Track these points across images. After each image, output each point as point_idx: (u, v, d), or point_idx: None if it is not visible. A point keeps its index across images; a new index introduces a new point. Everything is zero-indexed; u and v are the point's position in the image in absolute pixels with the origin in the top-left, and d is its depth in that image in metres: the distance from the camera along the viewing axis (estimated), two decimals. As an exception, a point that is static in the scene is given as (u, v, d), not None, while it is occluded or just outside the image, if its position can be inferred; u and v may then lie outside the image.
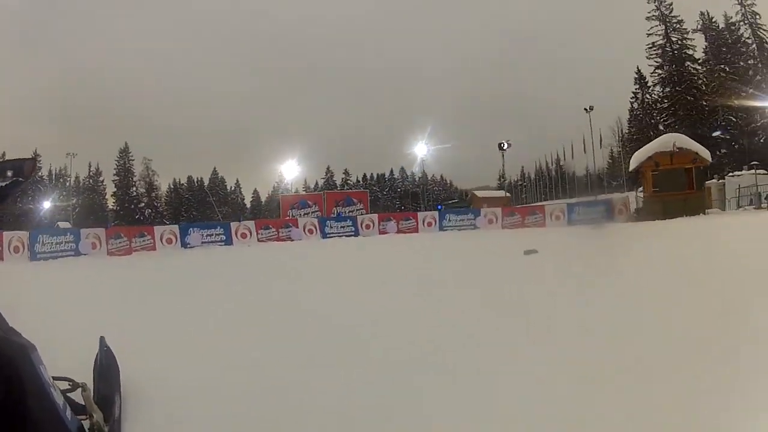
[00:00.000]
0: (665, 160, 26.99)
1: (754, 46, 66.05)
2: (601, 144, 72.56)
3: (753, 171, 31.31)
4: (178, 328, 6.08)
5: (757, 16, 65.79)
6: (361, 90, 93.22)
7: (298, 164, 48.54)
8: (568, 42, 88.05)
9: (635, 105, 74.36)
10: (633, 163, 28.56)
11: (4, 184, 2.42)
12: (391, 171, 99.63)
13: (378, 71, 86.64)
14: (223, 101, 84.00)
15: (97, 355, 4.06)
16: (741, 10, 66.26)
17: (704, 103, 65.80)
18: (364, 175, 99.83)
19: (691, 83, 67.20)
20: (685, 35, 68.71)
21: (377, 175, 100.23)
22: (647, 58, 70.11)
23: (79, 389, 3.18)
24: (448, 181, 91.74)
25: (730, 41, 66.43)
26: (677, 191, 26.46)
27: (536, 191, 77.90)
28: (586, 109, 52.09)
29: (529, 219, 30.03)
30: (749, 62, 66.21)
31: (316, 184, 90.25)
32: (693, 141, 28.91)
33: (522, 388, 3.61)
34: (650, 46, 69.91)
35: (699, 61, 68.47)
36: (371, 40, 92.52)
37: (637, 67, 73.14)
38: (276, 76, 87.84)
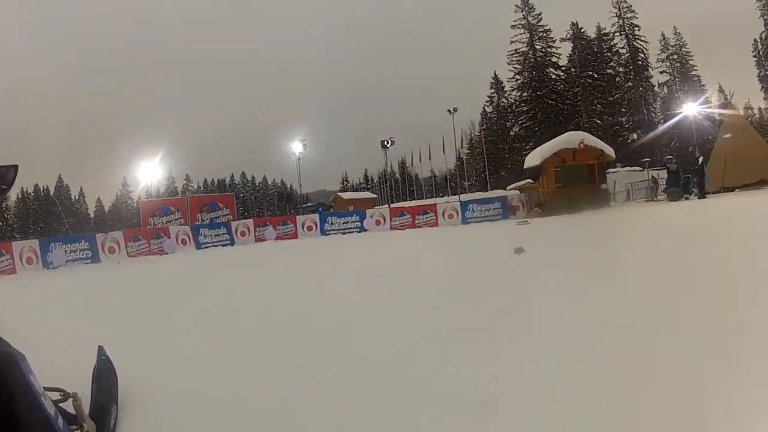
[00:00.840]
0: (569, 156, 27.03)
1: (627, 54, 70.29)
2: (445, 148, 72.77)
3: (637, 168, 32.05)
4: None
5: (636, 28, 70.30)
6: (226, 90, 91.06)
7: (157, 166, 42.07)
8: (433, 45, 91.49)
9: (489, 108, 78.11)
10: (535, 160, 28.15)
11: None
12: (264, 177, 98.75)
13: (244, 72, 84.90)
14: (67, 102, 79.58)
15: (95, 365, 4.06)
16: (619, 21, 70.83)
17: (564, 107, 68.87)
18: (231, 177, 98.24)
19: (553, 88, 69.99)
20: (551, 43, 71.71)
21: (247, 177, 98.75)
22: (508, 63, 72.83)
23: (71, 399, 3.10)
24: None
25: (596, 50, 70.15)
26: (580, 186, 26.54)
27: (381, 193, 77.99)
28: (449, 111, 51.81)
29: (420, 218, 28.48)
30: (618, 69, 70.45)
31: (174, 187, 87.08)
32: (597, 139, 29.32)
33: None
34: (512, 52, 72.57)
35: (562, 68, 71.74)
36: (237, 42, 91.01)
37: (495, 72, 76.57)
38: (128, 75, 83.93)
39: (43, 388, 2.13)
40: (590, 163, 27.41)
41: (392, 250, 16.57)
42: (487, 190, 59.85)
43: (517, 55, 72.21)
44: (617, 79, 69.78)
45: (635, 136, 65.64)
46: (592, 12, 70.69)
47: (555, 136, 59.38)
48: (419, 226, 27.94)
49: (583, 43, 70.55)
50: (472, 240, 16.68)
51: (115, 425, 3.56)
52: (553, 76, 71.63)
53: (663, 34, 69.54)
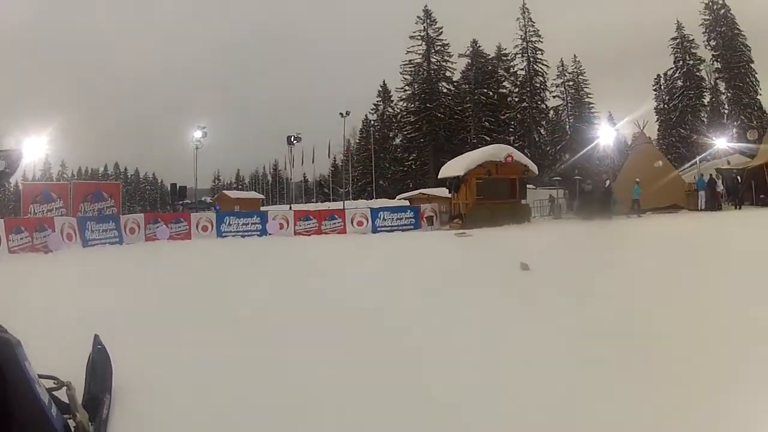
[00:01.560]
0: (493, 169, 26.41)
1: (526, 76, 71.49)
2: (331, 152, 74.72)
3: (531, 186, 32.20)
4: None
5: (539, 52, 71.87)
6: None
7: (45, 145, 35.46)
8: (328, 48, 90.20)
9: (374, 116, 77.40)
10: (457, 170, 27.16)
11: None
12: (137, 170, 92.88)
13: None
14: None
15: (90, 354, 4.14)
16: (522, 44, 72.03)
17: (452, 122, 69.67)
18: (105, 167, 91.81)
19: (443, 102, 70.42)
20: (448, 58, 72.08)
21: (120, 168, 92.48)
22: (400, 73, 72.55)
23: (64, 388, 3.15)
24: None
25: (491, 68, 71.20)
26: (502, 200, 26.35)
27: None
28: (341, 114, 50.66)
29: (327, 224, 26.26)
30: (513, 90, 72.02)
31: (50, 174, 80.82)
32: (522, 155, 28.96)
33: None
34: (406, 63, 72.28)
35: (455, 83, 72.23)
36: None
37: (383, 81, 76.53)
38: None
39: (38, 375, 2.29)
40: (512, 177, 27.00)
41: (323, 264, 14.34)
42: (370, 198, 59.65)
43: (411, 65, 72.13)
44: (509, 99, 71.39)
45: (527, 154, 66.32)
46: (499, 32, 72.41)
47: (440, 150, 59.54)
48: (326, 233, 25.74)
49: (482, 60, 71.58)
50: (413, 254, 15.46)
51: (107, 415, 3.59)
52: (445, 90, 72.15)
53: (562, 61, 72.29)
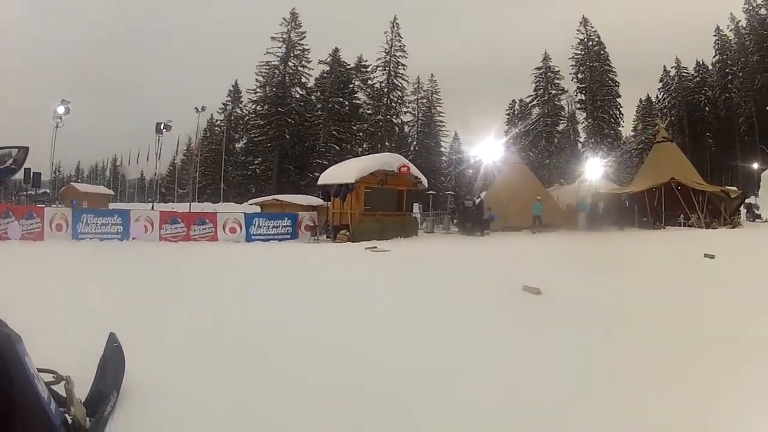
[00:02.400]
0: (385, 178, 25.12)
1: (385, 89, 73.09)
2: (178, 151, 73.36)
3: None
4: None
5: (402, 67, 73.83)
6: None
7: None
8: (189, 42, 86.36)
9: (221, 116, 76.33)
10: (344, 176, 24.87)
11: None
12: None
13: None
14: None
15: (103, 351, 4.28)
16: (386, 57, 73.53)
17: (302, 129, 69.47)
18: None
19: (293, 108, 69.67)
20: (306, 63, 71.97)
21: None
22: (255, 74, 71.22)
23: (63, 382, 3.16)
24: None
25: (346, 78, 71.82)
26: (390, 212, 25.48)
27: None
28: (197, 109, 48.07)
29: (197, 229, 22.89)
30: (368, 102, 73.27)
31: None
32: (414, 166, 27.72)
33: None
34: (263, 63, 71.01)
35: (309, 89, 72.14)
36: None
37: (236, 81, 75.30)
38: None
39: (37, 369, 2.33)
40: (401, 189, 26.14)
41: (228, 290, 10.35)
42: (216, 201, 57.28)
43: (267, 67, 70.64)
44: (361, 110, 72.27)
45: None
46: (365, 43, 73.76)
47: (286, 155, 58.40)
48: (195, 239, 22.37)
49: (341, 69, 71.65)
50: (348, 279, 12.14)
51: (110, 412, 3.62)
52: (298, 96, 71.31)
53: (418, 78, 74.37)
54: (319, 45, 71.44)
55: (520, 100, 78.77)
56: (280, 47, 71.03)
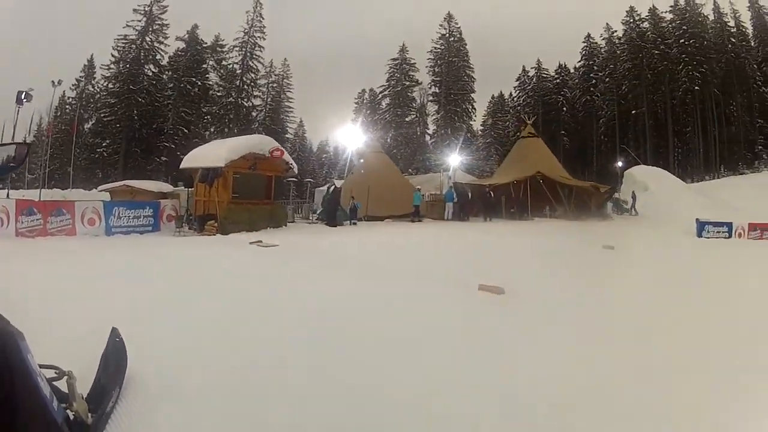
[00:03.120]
0: (254, 163, 22.54)
1: (239, 71, 71.92)
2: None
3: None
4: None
5: (260, 48, 73.38)
6: None
7: None
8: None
9: (73, 93, 69.36)
10: (212, 159, 21.66)
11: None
12: None
13: None
14: None
15: (105, 346, 4.31)
16: (244, 37, 72.48)
17: (151, 109, 66.06)
18: None
19: (145, 86, 66.11)
20: (163, 39, 68.37)
21: None
22: (112, 48, 66.60)
23: (65, 378, 3.21)
24: None
25: (200, 58, 69.80)
26: (258, 200, 23.13)
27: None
28: (53, 82, 43.78)
29: (54, 221, 18.06)
30: (220, 84, 71.51)
31: None
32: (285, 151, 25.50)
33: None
34: (121, 37, 66.37)
35: (163, 67, 68.62)
36: None
37: (91, 55, 68.98)
38: None
39: (39, 366, 2.30)
40: (270, 175, 23.83)
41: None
42: (65, 188, 51.21)
43: (125, 41, 65.99)
44: (210, 92, 69.89)
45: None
46: (229, 22, 71.14)
47: (134, 138, 55.01)
48: (52, 233, 17.73)
49: (197, 48, 68.65)
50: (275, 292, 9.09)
51: (112, 408, 3.67)
52: (150, 74, 67.29)
53: (271, 62, 72.81)
54: (182, 20, 68.12)
55: (371, 90, 79.32)
56: (140, 21, 66.93)
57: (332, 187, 27.63)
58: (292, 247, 15.92)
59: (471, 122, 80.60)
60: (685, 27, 72.63)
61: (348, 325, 6.79)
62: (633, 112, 73.34)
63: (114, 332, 4.49)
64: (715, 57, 70.73)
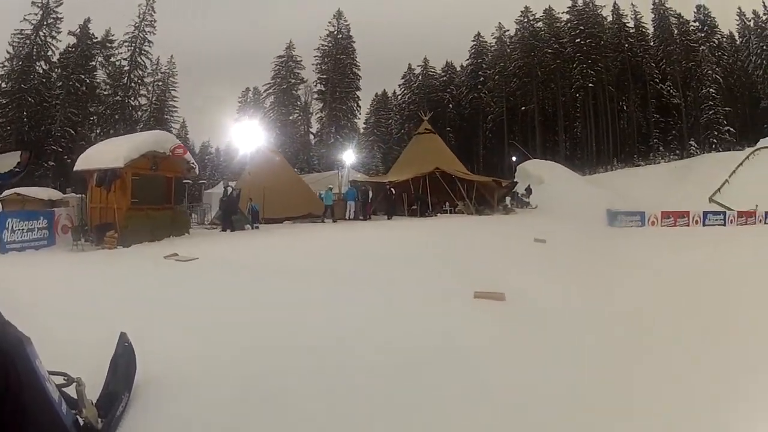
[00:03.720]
0: (155, 163, 20.27)
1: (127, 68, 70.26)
2: None
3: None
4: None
5: (149, 44, 71.62)
6: None
7: None
8: None
9: None
10: (109, 159, 18.88)
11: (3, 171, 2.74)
12: None
13: None
14: None
15: (114, 351, 4.41)
16: (135, 32, 70.47)
17: (40, 109, 63.19)
18: None
19: (35, 85, 63.54)
20: (56, 33, 65.47)
21: None
22: (9, 43, 63.24)
23: (74, 384, 3.27)
24: None
25: (88, 54, 66.90)
26: (158, 205, 20.81)
27: None
28: None
29: None
30: (108, 81, 69.28)
31: None
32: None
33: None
34: (17, 32, 63.43)
35: (53, 64, 65.71)
36: None
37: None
38: None
39: (48, 372, 2.37)
40: (170, 176, 21.61)
41: None
42: None
43: (21, 36, 62.90)
44: (98, 91, 67.63)
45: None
46: (121, 14, 68.47)
47: (23, 141, 52.85)
48: None
49: (88, 43, 66.11)
50: None
51: (122, 413, 3.81)
52: (41, 72, 64.39)
53: (158, 59, 71.72)
54: (76, 13, 65.38)
55: (254, 88, 78.88)
56: (37, 14, 63.78)
57: (231, 190, 25.93)
58: (216, 260, 13.68)
59: (356, 120, 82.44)
60: (582, 27, 76.74)
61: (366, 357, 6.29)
62: (522, 108, 77.16)
63: (122, 337, 4.57)
64: (611, 55, 75.12)
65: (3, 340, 2.11)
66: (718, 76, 71.39)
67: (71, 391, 3.21)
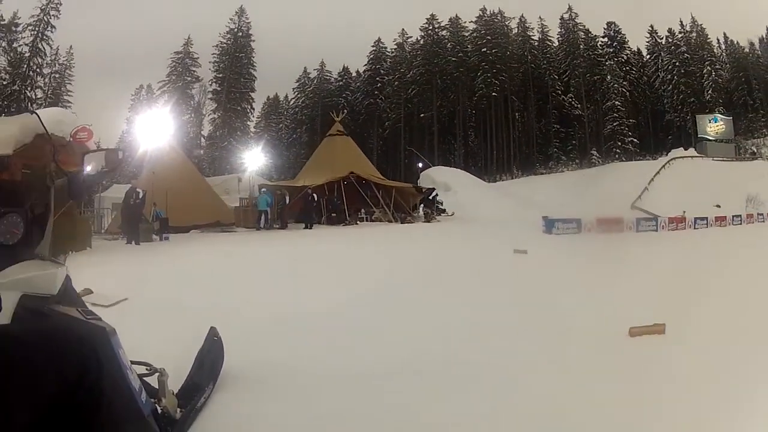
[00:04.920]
0: (52, 152, 16.03)
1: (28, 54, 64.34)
2: None
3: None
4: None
5: (51, 28, 65.03)
6: None
7: None
8: None
9: None
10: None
11: (95, 172, 2.86)
12: None
13: None
14: None
15: (203, 344, 4.60)
16: (40, 15, 64.45)
17: None
18: None
19: None
20: None
21: None
22: None
23: (157, 374, 3.42)
24: None
25: None
26: (56, 210, 16.75)
27: None
28: None
29: None
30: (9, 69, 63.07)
31: None
32: None
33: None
34: None
35: None
36: None
37: None
38: None
39: (131, 362, 2.48)
40: (70, 169, 18.15)
41: None
42: None
43: None
44: None
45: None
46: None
47: None
48: None
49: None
50: None
51: (204, 404, 3.87)
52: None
53: (57, 49, 66.56)
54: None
55: (148, 86, 75.55)
56: None
57: (136, 194, 21.53)
58: (153, 303, 8.48)
59: (249, 123, 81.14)
60: (489, 37, 78.05)
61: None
62: (421, 115, 78.06)
63: (212, 331, 4.70)
64: (516, 66, 76.44)
65: (86, 329, 2.16)
66: (624, 90, 74.90)
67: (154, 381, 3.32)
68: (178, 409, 3.41)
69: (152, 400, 2.91)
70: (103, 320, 2.34)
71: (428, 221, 33.22)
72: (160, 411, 3.10)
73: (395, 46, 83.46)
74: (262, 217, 27.92)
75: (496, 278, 11.86)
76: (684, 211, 35.97)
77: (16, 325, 2.13)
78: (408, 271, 12.48)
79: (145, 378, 3.07)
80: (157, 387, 3.32)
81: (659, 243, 25.11)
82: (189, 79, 74.91)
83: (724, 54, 78.77)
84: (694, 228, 34.45)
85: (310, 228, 27.69)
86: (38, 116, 2.89)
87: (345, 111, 57.77)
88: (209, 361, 4.33)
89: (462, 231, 26.67)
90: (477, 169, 71.60)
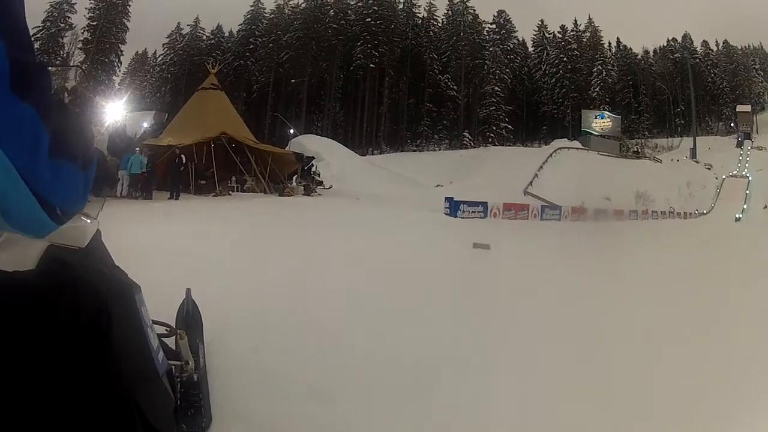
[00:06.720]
0: None
1: None
2: None
3: None
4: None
5: None
6: None
7: None
8: None
9: None
10: None
11: (137, 136, 2.74)
12: None
13: None
14: None
15: (182, 306, 4.41)
16: None
17: None
18: None
19: None
20: None
21: None
22: None
23: (175, 336, 3.41)
24: None
25: None
26: None
27: None
28: None
29: None
30: None
31: None
32: None
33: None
34: None
35: None
36: None
37: None
38: None
39: (152, 321, 2.30)
40: None
41: None
42: None
43: None
44: None
45: None
46: None
47: None
48: None
49: None
50: None
51: (204, 362, 3.82)
52: None
53: None
54: None
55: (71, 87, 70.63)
56: None
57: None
58: None
59: (114, 77, 77.24)
60: (375, 8, 76.54)
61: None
62: (292, 80, 76.24)
63: (188, 293, 4.46)
64: (397, 41, 75.63)
65: (111, 282, 1.92)
66: (506, 77, 75.98)
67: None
68: (194, 374, 3.36)
69: (171, 361, 2.67)
70: (128, 276, 2.03)
71: (308, 194, 30.39)
72: (183, 371, 3.13)
73: (274, 8, 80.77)
74: (123, 183, 21.90)
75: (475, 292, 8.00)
76: (583, 202, 36.68)
77: (40, 271, 1.70)
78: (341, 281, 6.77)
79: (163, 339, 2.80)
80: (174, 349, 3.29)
81: (570, 233, 23.74)
82: (62, 25, 69.52)
83: (613, 57, 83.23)
84: (595, 221, 34.60)
85: (177, 198, 22.61)
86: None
87: (220, 63, 52.10)
88: (194, 323, 4.21)
89: (360, 210, 21.04)
90: (344, 141, 70.13)
